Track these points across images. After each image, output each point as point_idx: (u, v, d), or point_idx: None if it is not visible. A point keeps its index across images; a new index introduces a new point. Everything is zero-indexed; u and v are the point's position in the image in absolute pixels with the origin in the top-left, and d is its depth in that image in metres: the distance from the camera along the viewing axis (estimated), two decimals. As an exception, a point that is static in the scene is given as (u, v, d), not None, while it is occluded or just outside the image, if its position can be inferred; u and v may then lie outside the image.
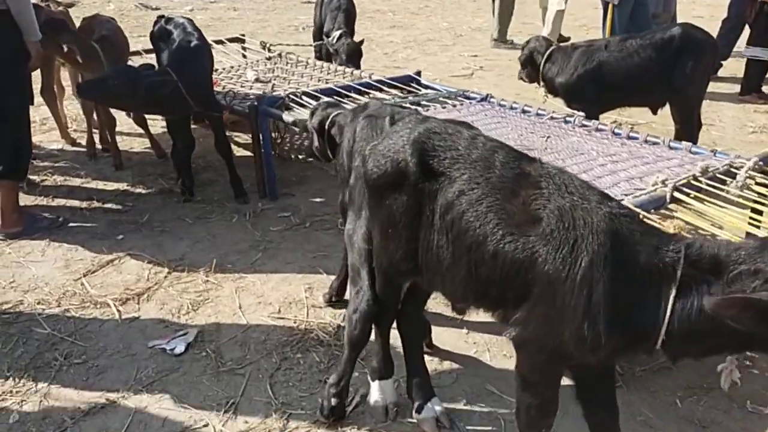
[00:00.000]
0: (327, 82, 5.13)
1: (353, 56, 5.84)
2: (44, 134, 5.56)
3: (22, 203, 4.27)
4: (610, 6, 6.51)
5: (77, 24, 5.32)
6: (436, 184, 1.98)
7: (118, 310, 3.14)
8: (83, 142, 5.41)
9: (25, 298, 3.24)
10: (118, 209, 4.26)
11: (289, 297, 3.26)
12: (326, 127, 3.02)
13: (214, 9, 12.60)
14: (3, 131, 3.66)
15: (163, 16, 4.72)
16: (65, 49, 4.29)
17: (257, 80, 5.26)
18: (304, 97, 4.30)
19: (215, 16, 11.78)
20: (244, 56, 6.42)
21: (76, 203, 4.32)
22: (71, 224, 4.03)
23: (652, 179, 2.90)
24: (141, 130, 5.15)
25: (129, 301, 3.22)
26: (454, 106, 4.24)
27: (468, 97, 4.45)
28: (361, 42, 6.13)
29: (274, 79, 5.34)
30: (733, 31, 7.25)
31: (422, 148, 2.02)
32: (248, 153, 5.05)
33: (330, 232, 3.95)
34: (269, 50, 6.19)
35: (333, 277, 3.41)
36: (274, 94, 4.41)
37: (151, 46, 5.85)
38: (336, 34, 6.16)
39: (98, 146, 5.17)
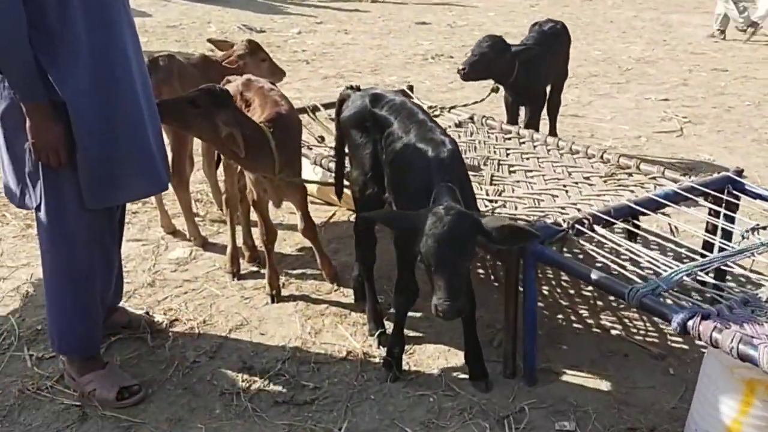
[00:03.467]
0: (574, 171, 3.50)
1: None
2: (154, 227, 4.10)
3: (141, 376, 2.80)
4: None
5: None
6: None
7: None
8: (217, 240, 3.95)
9: None
10: (293, 396, 2.70)
11: None
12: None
13: (323, 31, 11.17)
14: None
15: (353, 88, 3.15)
16: (222, 133, 2.78)
17: (464, 168, 3.64)
18: (596, 227, 2.66)
19: (327, 41, 10.33)
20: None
21: (225, 383, 2.79)
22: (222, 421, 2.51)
23: None
24: (307, 242, 3.59)
25: None
26: None
27: None
28: None
29: (484, 164, 3.73)
30: None
31: None
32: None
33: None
34: (442, 112, 4.61)
35: None
36: (547, 221, 2.75)
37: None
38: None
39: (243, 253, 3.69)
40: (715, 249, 3.10)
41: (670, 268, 2.35)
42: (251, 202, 3.26)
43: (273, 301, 3.33)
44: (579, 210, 3.01)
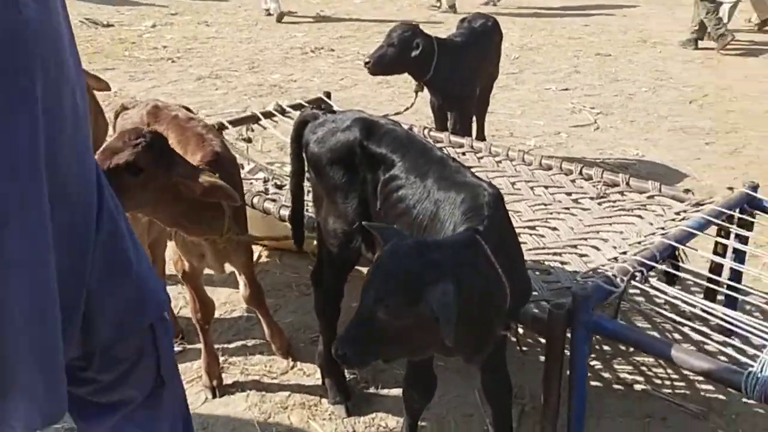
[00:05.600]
0: (556, 192, 2.99)
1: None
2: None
3: None
4: None
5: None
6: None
7: None
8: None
9: None
10: None
11: None
12: None
13: (181, 24, 10.02)
14: None
15: (322, 108, 2.43)
16: (197, 191, 1.94)
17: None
18: (653, 282, 2.13)
19: (188, 35, 9.24)
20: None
21: None
22: None
23: None
24: (253, 311, 2.80)
25: None
26: None
27: None
28: None
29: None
30: None
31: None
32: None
33: None
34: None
35: None
36: (595, 279, 2.17)
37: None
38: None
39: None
40: (725, 272, 2.74)
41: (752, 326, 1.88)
42: (181, 274, 2.42)
43: (215, 396, 2.53)
44: (598, 249, 2.51)
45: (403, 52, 3.97)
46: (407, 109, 4.14)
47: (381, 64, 4.04)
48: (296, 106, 3.87)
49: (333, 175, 2.20)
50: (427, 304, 1.51)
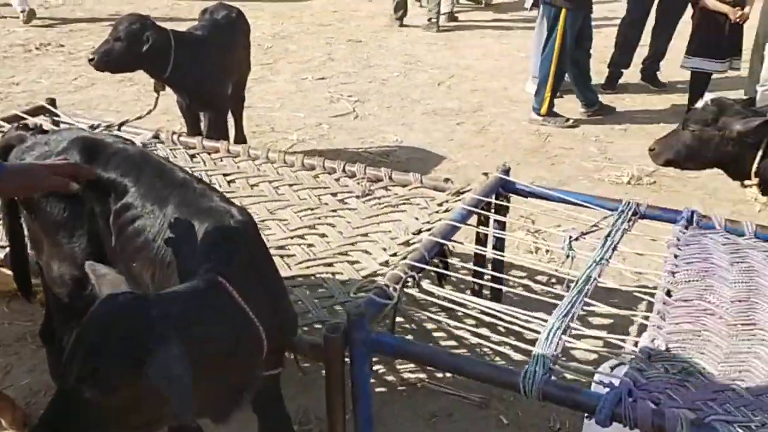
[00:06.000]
0: (322, 194, 2.84)
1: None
2: None
3: None
4: (564, 12, 5.09)
5: None
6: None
7: None
8: None
9: None
10: None
11: None
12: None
13: None
14: None
15: (29, 128, 1.96)
16: None
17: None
18: (424, 285, 2.03)
19: None
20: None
21: None
22: None
23: None
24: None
25: None
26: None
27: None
28: None
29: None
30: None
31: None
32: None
33: None
34: (110, 131, 3.43)
35: None
36: (368, 292, 2.00)
37: None
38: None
39: None
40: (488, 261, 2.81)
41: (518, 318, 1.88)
42: None
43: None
44: (369, 253, 2.39)
45: (132, 47, 3.57)
46: (149, 112, 3.72)
47: (107, 61, 3.61)
48: (10, 119, 3.26)
49: (51, 210, 1.80)
50: (150, 376, 1.22)
